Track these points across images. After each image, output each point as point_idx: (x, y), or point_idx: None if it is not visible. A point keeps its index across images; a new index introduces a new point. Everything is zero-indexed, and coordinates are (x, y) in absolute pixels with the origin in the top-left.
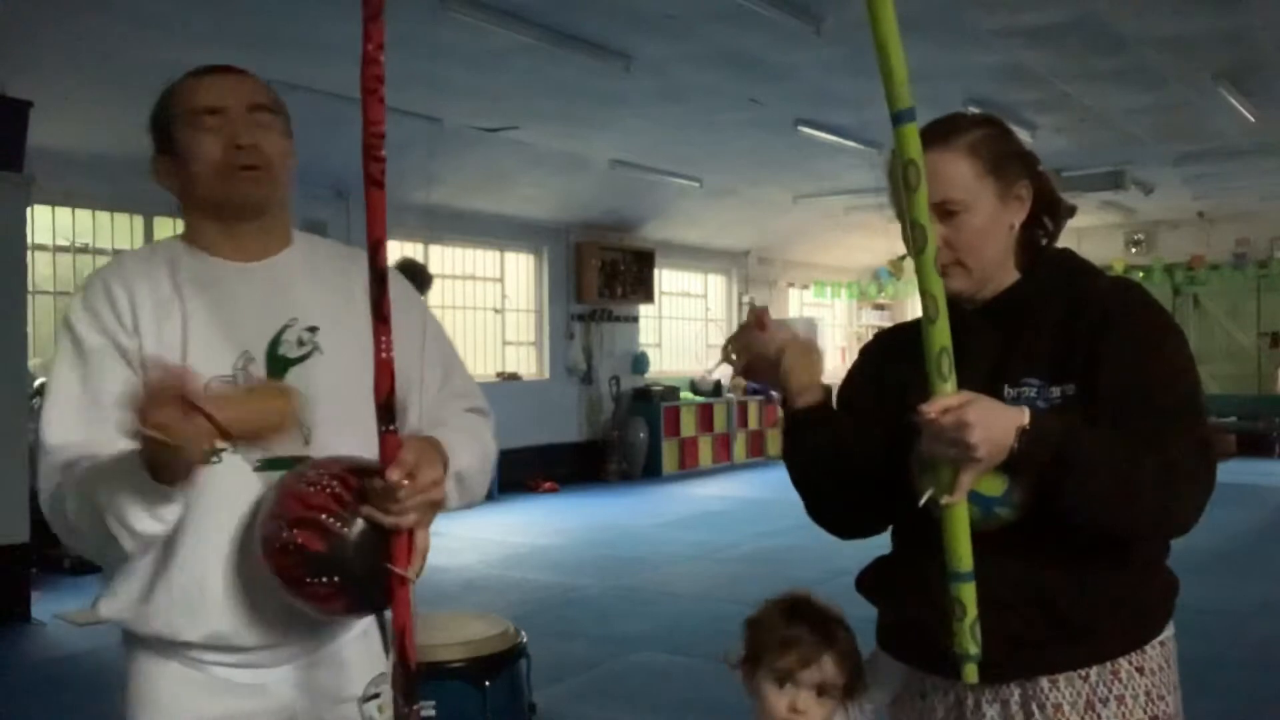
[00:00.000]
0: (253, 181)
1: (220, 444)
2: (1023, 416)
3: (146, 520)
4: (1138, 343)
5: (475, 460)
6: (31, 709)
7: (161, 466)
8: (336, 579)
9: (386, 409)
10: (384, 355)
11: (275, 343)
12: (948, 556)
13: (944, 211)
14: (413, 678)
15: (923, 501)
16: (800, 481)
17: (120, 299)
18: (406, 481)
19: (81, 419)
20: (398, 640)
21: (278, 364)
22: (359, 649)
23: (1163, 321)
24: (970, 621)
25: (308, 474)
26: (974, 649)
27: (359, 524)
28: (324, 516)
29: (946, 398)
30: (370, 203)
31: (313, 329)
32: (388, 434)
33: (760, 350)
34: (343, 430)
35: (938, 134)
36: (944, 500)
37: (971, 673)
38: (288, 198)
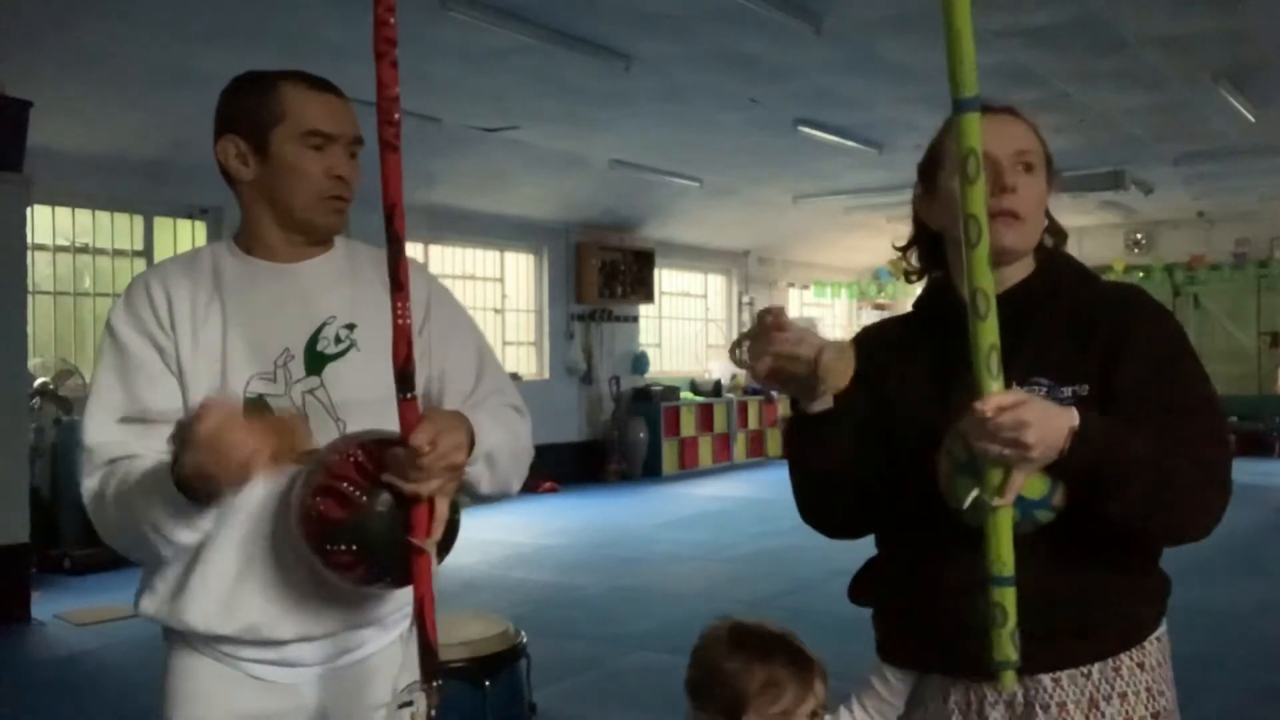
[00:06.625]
0: (338, 213)
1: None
2: (1073, 417)
3: (183, 532)
4: (1159, 346)
5: (505, 443)
6: (31, 709)
7: (200, 488)
8: (355, 547)
9: (404, 375)
10: (401, 322)
11: (314, 339)
12: (988, 561)
13: (1024, 163)
14: (432, 653)
15: (967, 504)
16: (803, 484)
17: (159, 299)
18: (428, 447)
19: (121, 418)
20: (417, 612)
21: (315, 360)
22: (393, 655)
23: (1177, 326)
24: (1011, 629)
25: (337, 444)
26: (1014, 655)
27: (381, 494)
28: (345, 485)
29: (1002, 395)
30: (386, 167)
31: (350, 326)
32: (406, 401)
33: (790, 351)
34: (377, 423)
35: (1004, 107)
36: (995, 503)
37: (1010, 680)
38: None
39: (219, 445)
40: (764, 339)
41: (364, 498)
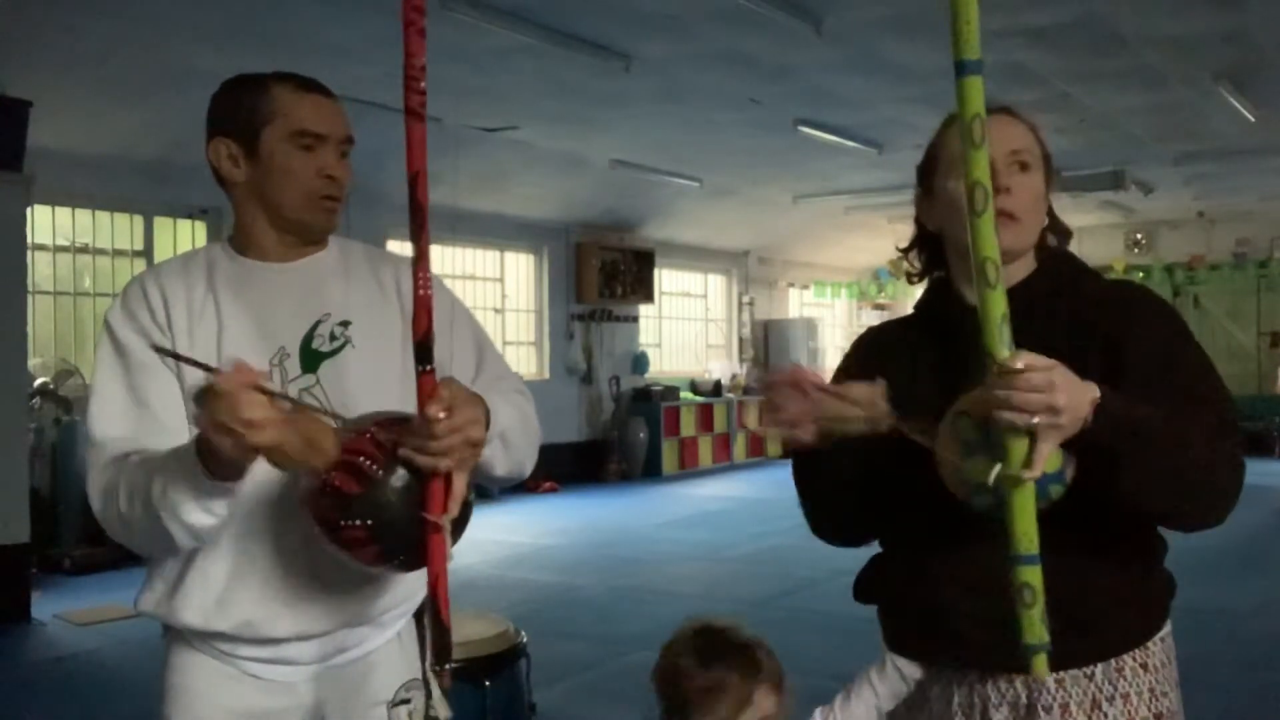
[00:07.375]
0: (330, 212)
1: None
2: (1094, 389)
3: (198, 513)
4: (1161, 342)
5: (517, 423)
6: (31, 709)
7: (219, 460)
8: (369, 522)
9: (424, 347)
10: (422, 292)
11: (309, 337)
12: (1013, 539)
13: (1019, 162)
14: (445, 632)
15: (991, 480)
16: (815, 508)
17: (155, 299)
18: (443, 415)
19: (126, 415)
20: (431, 590)
21: (311, 358)
22: (391, 653)
23: (1179, 320)
24: (1040, 609)
25: (352, 422)
26: (1046, 637)
27: (397, 471)
28: (361, 459)
29: (1032, 355)
30: (411, 134)
31: (345, 324)
32: (425, 373)
33: (842, 414)
34: None
35: (1002, 106)
36: (1025, 475)
37: (1041, 664)
38: None
39: (234, 400)
40: (796, 399)
41: (380, 471)
